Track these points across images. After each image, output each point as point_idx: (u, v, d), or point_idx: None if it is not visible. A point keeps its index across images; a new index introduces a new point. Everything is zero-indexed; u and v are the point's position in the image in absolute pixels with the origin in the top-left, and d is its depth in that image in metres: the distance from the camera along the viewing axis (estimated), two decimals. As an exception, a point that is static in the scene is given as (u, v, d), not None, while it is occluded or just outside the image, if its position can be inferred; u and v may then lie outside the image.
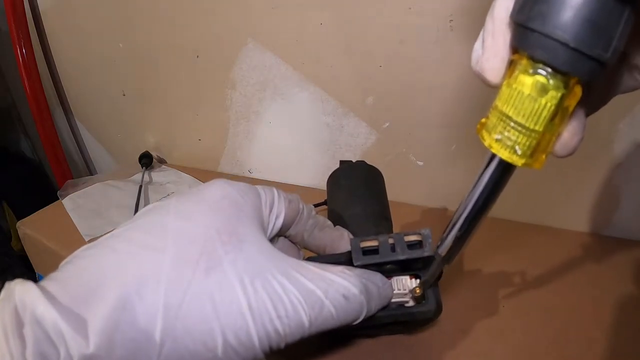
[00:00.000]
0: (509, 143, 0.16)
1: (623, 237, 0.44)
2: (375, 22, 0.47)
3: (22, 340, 0.17)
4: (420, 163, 0.52)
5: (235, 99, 0.62)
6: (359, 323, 0.24)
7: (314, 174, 0.60)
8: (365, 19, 0.47)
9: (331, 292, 0.21)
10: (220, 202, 0.22)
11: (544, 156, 0.17)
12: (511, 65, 0.16)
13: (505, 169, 0.18)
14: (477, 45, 0.18)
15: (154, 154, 0.72)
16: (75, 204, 0.59)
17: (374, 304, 0.23)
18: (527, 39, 0.15)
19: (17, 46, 0.75)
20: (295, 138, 0.60)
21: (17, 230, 0.57)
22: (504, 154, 0.17)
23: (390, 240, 0.24)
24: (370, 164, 0.45)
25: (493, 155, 0.17)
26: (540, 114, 0.15)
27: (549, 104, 0.15)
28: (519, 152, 0.16)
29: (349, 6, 0.47)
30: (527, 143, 0.16)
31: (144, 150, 0.70)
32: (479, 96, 0.45)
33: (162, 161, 0.75)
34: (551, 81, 0.15)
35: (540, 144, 0.16)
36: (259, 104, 0.60)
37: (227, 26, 0.57)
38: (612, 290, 0.36)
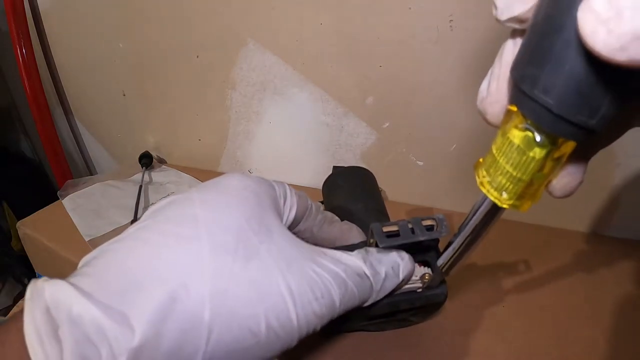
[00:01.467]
0: (498, 187, 0.18)
1: (623, 237, 0.44)
2: (375, 22, 0.47)
3: (58, 343, 0.16)
4: (420, 163, 0.52)
5: (235, 99, 0.62)
6: (379, 307, 0.25)
7: (314, 174, 0.60)
8: (365, 19, 0.47)
9: (349, 272, 0.22)
10: (243, 192, 0.22)
11: (529, 202, 0.18)
12: (507, 113, 0.17)
13: (494, 207, 0.20)
14: (484, 85, 0.19)
15: (154, 154, 0.72)
16: (75, 204, 0.59)
17: (387, 285, 0.24)
18: (518, 97, 0.16)
19: (17, 46, 0.75)
20: (295, 138, 0.60)
21: (17, 230, 0.57)
22: (492, 195, 0.18)
23: (409, 225, 0.25)
24: (369, 164, 0.46)
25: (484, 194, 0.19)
26: (528, 165, 0.17)
27: (536, 157, 0.16)
28: (505, 195, 0.18)
29: (349, 6, 0.47)
30: (514, 190, 0.18)
31: (144, 150, 0.70)
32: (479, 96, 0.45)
33: (162, 161, 0.75)
34: (538, 138, 0.16)
35: (527, 191, 0.18)
36: (259, 104, 0.60)
37: (227, 26, 0.57)
38: (612, 290, 0.36)
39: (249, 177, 0.24)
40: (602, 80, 0.13)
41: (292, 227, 0.26)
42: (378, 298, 0.25)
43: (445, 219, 0.25)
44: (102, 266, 0.19)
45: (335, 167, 0.46)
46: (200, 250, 0.19)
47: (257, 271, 0.19)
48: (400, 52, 0.47)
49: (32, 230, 0.55)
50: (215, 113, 0.65)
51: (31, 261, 0.62)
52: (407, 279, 0.25)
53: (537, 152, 0.16)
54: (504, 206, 0.18)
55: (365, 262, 0.23)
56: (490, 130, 0.50)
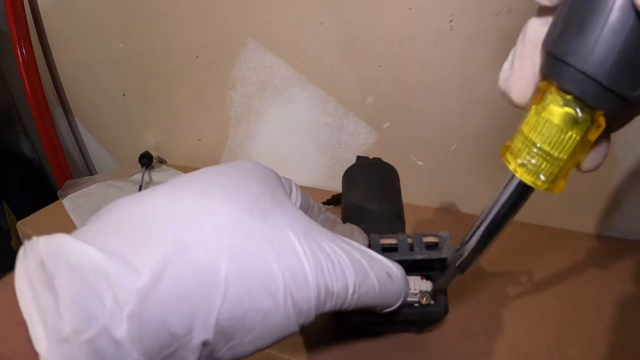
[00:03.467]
0: (533, 169, 0.17)
1: (624, 238, 0.44)
2: (375, 22, 0.47)
3: (53, 294, 0.14)
4: (420, 163, 0.52)
5: (235, 99, 0.62)
6: (377, 315, 0.24)
7: (314, 174, 0.60)
8: (365, 19, 0.47)
9: (375, 266, 0.21)
10: (253, 170, 0.22)
11: (563, 182, 0.18)
12: (539, 91, 0.17)
13: (524, 191, 0.19)
14: (506, 65, 0.18)
15: (154, 154, 0.72)
16: (75, 204, 0.59)
17: (406, 294, 0.24)
18: (560, 71, 0.15)
19: (17, 46, 0.75)
20: (295, 138, 0.60)
21: (17, 230, 0.57)
22: (527, 179, 0.17)
23: (409, 240, 0.24)
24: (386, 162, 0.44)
25: (513, 176, 0.18)
26: (567, 143, 0.16)
27: (575, 135, 0.16)
28: (543, 178, 0.17)
29: (349, 6, 0.47)
30: (551, 170, 0.17)
31: (144, 150, 0.70)
32: (479, 96, 0.45)
33: (162, 161, 0.75)
34: (580, 114, 0.16)
35: (561, 171, 0.17)
36: (259, 104, 0.60)
37: (227, 26, 0.57)
38: (613, 290, 0.36)
39: (260, 164, 0.23)
40: None
41: None
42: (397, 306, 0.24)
43: (449, 238, 0.24)
44: (108, 219, 0.17)
45: (358, 158, 0.43)
46: (216, 204, 0.18)
47: (272, 230, 0.18)
48: (400, 52, 0.47)
49: (32, 230, 0.55)
50: (215, 113, 0.65)
51: (31, 261, 0.62)
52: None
53: (579, 129, 0.16)
54: (541, 189, 0.18)
55: (399, 267, 0.22)
56: (489, 130, 0.50)
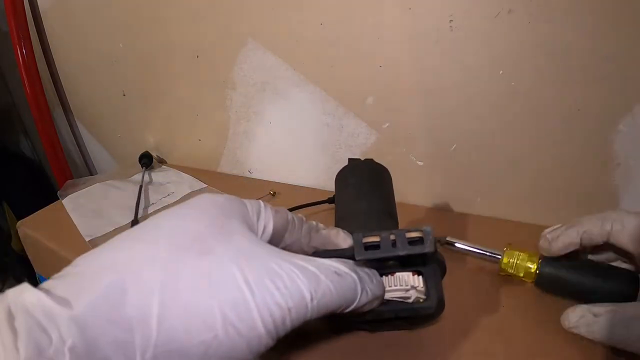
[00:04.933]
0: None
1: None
2: (375, 22, 0.47)
3: (13, 332, 0.17)
4: (420, 163, 0.52)
5: (235, 99, 0.62)
6: (362, 313, 0.25)
7: (314, 174, 0.60)
8: (365, 19, 0.47)
9: (324, 269, 0.22)
10: (210, 205, 0.23)
11: None
12: None
13: None
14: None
15: (154, 154, 0.72)
16: (75, 204, 0.59)
17: (370, 287, 0.24)
18: None
19: (17, 46, 0.75)
20: (295, 138, 0.60)
21: (17, 230, 0.57)
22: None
23: (392, 237, 0.24)
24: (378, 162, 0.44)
25: None
26: None
27: None
28: None
29: (349, 6, 0.47)
30: None
31: (144, 150, 0.70)
32: (479, 96, 0.45)
33: (162, 161, 0.75)
34: None
35: None
36: (259, 104, 0.60)
37: (227, 26, 0.57)
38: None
39: (220, 195, 0.25)
40: None
41: (276, 242, 0.26)
42: (368, 301, 0.24)
43: (432, 233, 0.24)
44: (67, 270, 0.20)
45: (350, 160, 0.44)
46: (157, 249, 0.20)
47: (210, 263, 0.20)
48: (400, 52, 0.47)
49: (32, 230, 0.55)
50: (215, 113, 0.65)
51: (31, 261, 0.62)
52: (377, 295, 0.25)
53: None
54: None
55: (347, 264, 0.24)
56: (489, 130, 0.50)
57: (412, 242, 0.24)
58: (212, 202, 0.24)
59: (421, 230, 0.24)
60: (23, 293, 0.18)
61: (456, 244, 0.41)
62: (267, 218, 0.25)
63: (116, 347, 0.18)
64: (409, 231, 0.24)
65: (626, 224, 0.30)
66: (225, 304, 0.19)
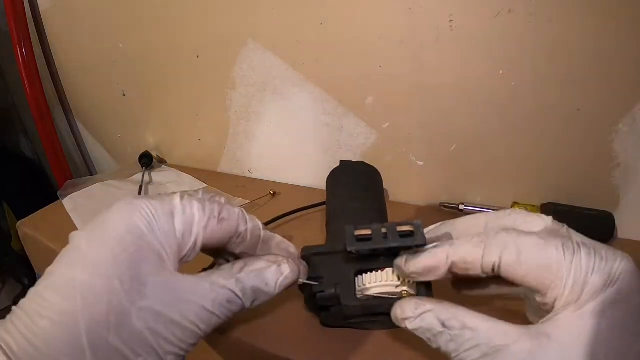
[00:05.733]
0: None
1: (623, 237, 0.44)
2: (375, 22, 0.47)
3: None
4: (420, 163, 0.52)
5: (235, 99, 0.62)
6: (351, 309, 0.27)
7: (314, 174, 0.60)
8: (365, 19, 0.47)
9: (216, 304, 0.23)
10: (124, 239, 0.22)
11: None
12: None
13: None
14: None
15: (154, 154, 0.72)
16: (75, 204, 0.59)
17: (262, 297, 0.25)
18: None
19: (17, 46, 0.75)
20: (295, 138, 0.60)
21: (17, 230, 0.57)
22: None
23: (383, 230, 0.25)
24: (369, 164, 0.46)
25: None
26: None
27: None
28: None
29: (349, 6, 0.47)
30: None
31: (144, 150, 0.70)
32: (478, 96, 0.45)
33: (162, 161, 0.75)
34: None
35: None
36: (259, 104, 0.60)
37: (227, 26, 0.57)
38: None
39: (140, 209, 0.23)
40: None
41: (216, 247, 0.25)
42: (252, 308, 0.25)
43: (422, 226, 0.24)
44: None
45: (341, 162, 0.45)
46: (79, 330, 0.20)
47: (126, 337, 0.21)
48: (400, 52, 0.47)
49: (32, 230, 0.55)
50: (215, 113, 0.65)
51: (31, 261, 0.62)
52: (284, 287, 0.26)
53: None
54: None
55: (237, 282, 0.24)
56: (489, 130, 0.50)
57: (403, 235, 0.25)
58: (129, 227, 0.22)
59: (412, 224, 0.25)
60: None
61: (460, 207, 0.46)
62: (197, 229, 0.24)
63: None
64: (400, 225, 0.25)
65: (523, 250, 0.21)
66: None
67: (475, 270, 0.23)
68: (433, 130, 0.50)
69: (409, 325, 0.23)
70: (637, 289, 0.20)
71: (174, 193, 0.25)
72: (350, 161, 0.46)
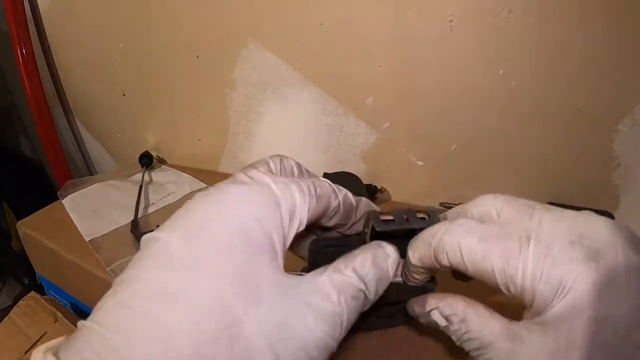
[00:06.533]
0: None
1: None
2: (375, 22, 0.47)
3: None
4: (420, 163, 0.52)
5: (235, 99, 0.62)
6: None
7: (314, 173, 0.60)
8: (365, 19, 0.47)
9: (344, 298, 0.20)
10: (232, 241, 0.19)
11: None
12: None
13: None
14: None
15: (154, 154, 0.72)
16: (75, 204, 0.59)
17: (380, 285, 0.23)
18: None
19: (17, 46, 0.75)
20: (295, 138, 0.60)
21: (17, 230, 0.57)
22: None
23: (404, 215, 0.27)
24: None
25: None
26: None
27: None
28: None
29: (349, 6, 0.47)
30: None
31: (144, 150, 0.70)
32: (478, 96, 0.45)
33: (162, 161, 0.75)
34: None
35: None
36: (259, 104, 0.60)
37: (227, 26, 0.57)
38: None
39: (248, 206, 0.20)
40: None
41: (310, 229, 0.24)
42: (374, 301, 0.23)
43: (437, 211, 0.26)
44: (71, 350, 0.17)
45: (325, 174, 0.47)
46: (182, 345, 0.17)
47: (241, 353, 0.17)
48: (400, 52, 0.47)
49: (32, 230, 0.55)
50: (215, 113, 0.65)
51: (31, 261, 0.62)
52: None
53: None
54: None
55: (355, 274, 0.21)
56: (489, 130, 0.50)
57: (421, 219, 0.26)
58: (238, 228, 0.19)
59: (425, 212, 0.26)
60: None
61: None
62: (301, 214, 0.21)
63: None
64: (417, 211, 0.27)
65: (464, 252, 0.22)
66: None
67: (436, 268, 0.23)
68: (433, 130, 0.50)
69: (422, 321, 0.25)
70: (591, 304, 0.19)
71: (259, 172, 0.21)
72: (330, 173, 0.48)
